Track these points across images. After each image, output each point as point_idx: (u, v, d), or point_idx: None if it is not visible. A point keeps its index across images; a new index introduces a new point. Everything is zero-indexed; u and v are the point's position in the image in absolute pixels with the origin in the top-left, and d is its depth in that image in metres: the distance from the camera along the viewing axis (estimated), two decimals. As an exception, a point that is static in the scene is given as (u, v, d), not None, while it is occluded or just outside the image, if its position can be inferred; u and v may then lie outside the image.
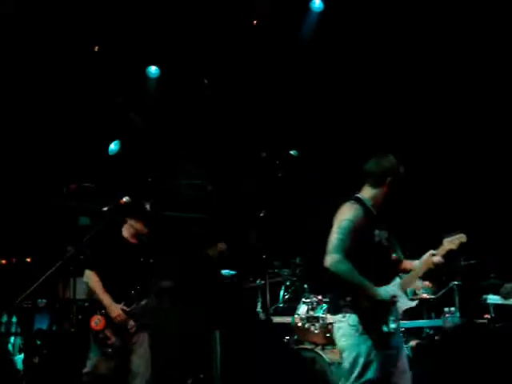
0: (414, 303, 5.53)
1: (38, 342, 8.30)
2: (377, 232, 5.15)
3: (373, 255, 5.09)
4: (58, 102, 9.39)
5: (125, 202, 6.58)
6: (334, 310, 5.19)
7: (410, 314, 7.46)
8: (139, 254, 6.53)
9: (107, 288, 6.34)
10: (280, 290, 8.13)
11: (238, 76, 9.77)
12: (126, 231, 6.62)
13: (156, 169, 9.78)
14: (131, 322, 6.31)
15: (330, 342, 7.45)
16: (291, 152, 6.90)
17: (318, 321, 7.39)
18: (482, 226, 6.70)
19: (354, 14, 9.17)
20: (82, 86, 9.49)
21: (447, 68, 9.05)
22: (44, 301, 8.59)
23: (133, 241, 6.60)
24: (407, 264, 5.33)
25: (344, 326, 5.03)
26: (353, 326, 4.99)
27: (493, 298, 7.17)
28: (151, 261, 6.55)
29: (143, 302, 6.38)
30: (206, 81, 9.88)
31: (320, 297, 7.61)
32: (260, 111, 9.87)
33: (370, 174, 5.25)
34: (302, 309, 7.60)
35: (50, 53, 9.07)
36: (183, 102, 9.89)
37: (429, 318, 7.55)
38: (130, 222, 6.58)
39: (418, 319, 7.43)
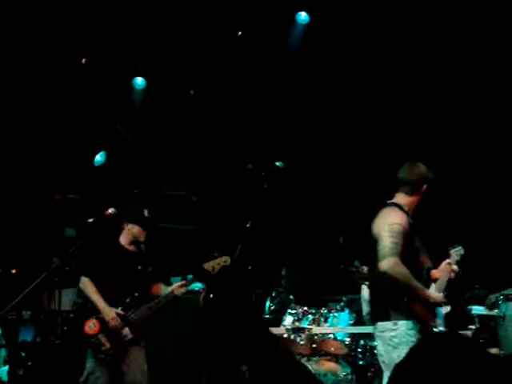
0: (449, 308, 5.59)
1: (23, 354, 8.26)
2: (416, 238, 5.22)
3: (416, 260, 5.14)
4: (42, 113, 9.37)
5: (110, 214, 6.57)
6: (380, 317, 5.15)
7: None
8: (137, 261, 6.51)
9: (103, 295, 6.30)
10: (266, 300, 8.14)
11: (224, 87, 9.79)
12: (123, 238, 6.58)
13: (142, 180, 9.77)
14: (126, 329, 6.25)
15: (316, 352, 7.46)
16: (277, 163, 6.92)
17: (303, 332, 7.40)
18: (467, 237, 6.72)
19: (340, 26, 9.23)
20: (68, 97, 9.48)
21: (439, 73, 9.10)
22: (29, 313, 8.55)
23: (130, 248, 6.57)
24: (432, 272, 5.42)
25: (399, 333, 4.99)
26: (410, 331, 4.97)
27: (478, 309, 7.18)
28: (149, 269, 6.54)
29: (140, 311, 6.35)
30: (192, 92, 9.89)
31: (305, 308, 7.62)
32: (247, 122, 9.89)
33: (405, 181, 5.33)
34: (288, 320, 7.60)
35: (36, 63, 9.06)
36: (169, 114, 9.90)
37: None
38: (128, 226, 6.57)
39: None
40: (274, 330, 7.62)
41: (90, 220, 6.64)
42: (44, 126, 9.42)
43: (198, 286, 8.57)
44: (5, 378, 8.17)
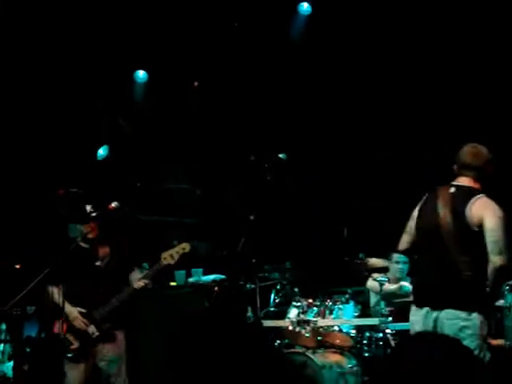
0: None
1: (28, 350, 8.24)
2: None
3: None
4: (44, 108, 9.33)
5: (114, 208, 6.59)
6: (453, 304, 5.04)
7: (400, 315, 7.45)
8: (93, 258, 6.53)
9: (71, 295, 6.33)
10: (271, 293, 8.11)
11: (227, 79, 9.74)
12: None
13: (145, 173, 9.74)
14: (92, 327, 6.31)
15: (321, 345, 7.44)
16: (280, 155, 6.89)
17: (308, 324, 7.37)
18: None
19: (342, 17, 9.17)
20: (70, 91, 9.44)
21: (441, 67, 9.00)
22: (33, 308, 8.54)
23: (84, 246, 6.58)
24: None
25: (473, 325, 4.96)
26: (483, 325, 4.97)
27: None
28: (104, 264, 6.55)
29: (105, 307, 6.38)
30: (195, 83, 9.86)
31: (310, 300, 7.59)
32: (249, 114, 9.85)
33: (472, 167, 5.22)
34: (293, 312, 7.57)
35: (38, 56, 9.03)
36: (171, 106, 9.86)
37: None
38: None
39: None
40: (279, 323, 7.61)
41: (94, 214, 6.65)
42: (46, 120, 9.38)
43: (202, 279, 8.59)
44: (10, 373, 8.17)
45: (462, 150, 5.33)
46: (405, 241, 5.49)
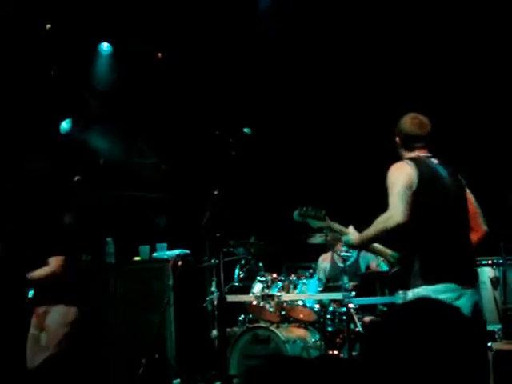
0: None
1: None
2: None
3: None
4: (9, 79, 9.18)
5: (76, 182, 6.65)
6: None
7: (364, 290, 7.50)
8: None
9: None
10: (235, 268, 8.11)
11: (192, 52, 9.65)
12: None
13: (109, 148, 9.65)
14: None
15: (285, 319, 7.49)
16: (244, 130, 6.85)
17: (272, 299, 7.39)
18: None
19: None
20: (33, 64, 9.29)
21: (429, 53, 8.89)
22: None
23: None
24: None
25: None
26: None
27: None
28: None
29: None
30: (159, 55, 9.76)
31: (275, 275, 7.61)
32: (215, 88, 9.79)
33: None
34: (257, 287, 7.59)
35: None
36: (137, 79, 9.75)
37: (382, 294, 7.58)
38: None
39: (372, 296, 7.46)
40: (244, 298, 7.62)
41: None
42: (8, 92, 9.23)
43: (166, 254, 8.61)
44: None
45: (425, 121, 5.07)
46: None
